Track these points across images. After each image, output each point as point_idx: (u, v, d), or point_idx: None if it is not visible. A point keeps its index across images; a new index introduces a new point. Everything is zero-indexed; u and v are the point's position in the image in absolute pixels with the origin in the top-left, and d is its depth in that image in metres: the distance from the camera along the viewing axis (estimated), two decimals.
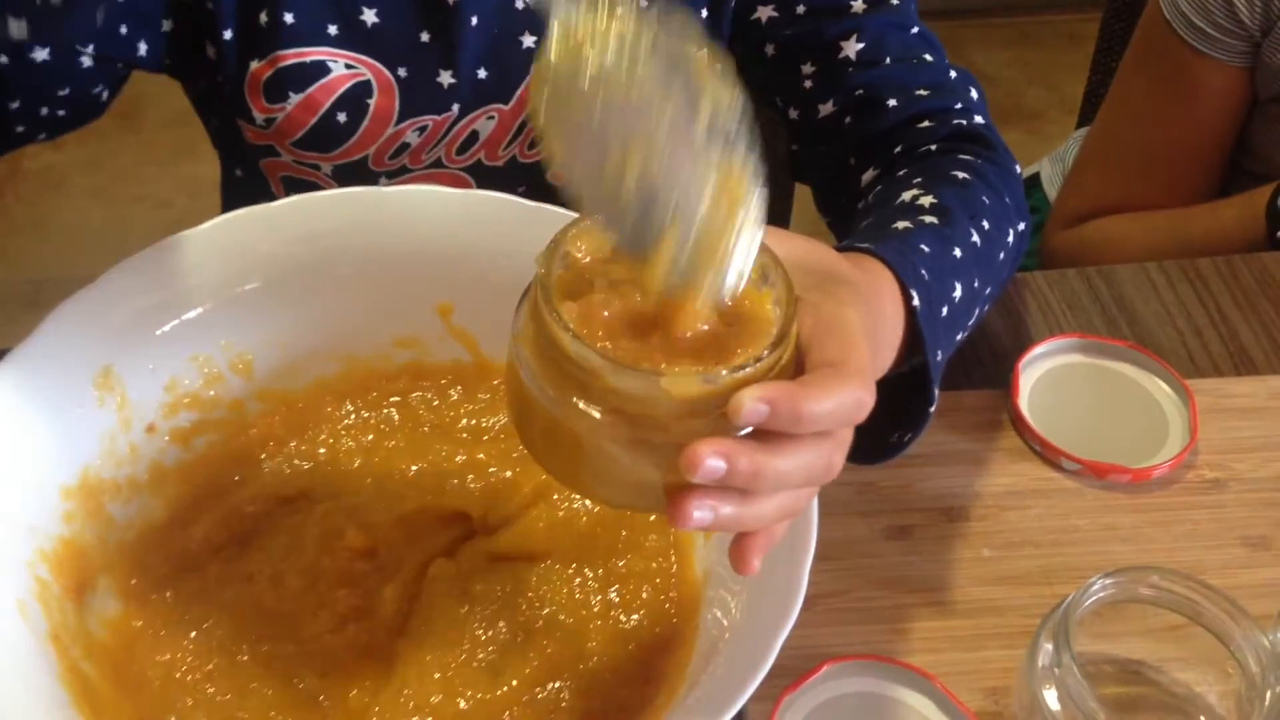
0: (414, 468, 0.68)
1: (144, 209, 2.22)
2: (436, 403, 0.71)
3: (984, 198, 0.70)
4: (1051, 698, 0.60)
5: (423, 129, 0.77)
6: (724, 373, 0.44)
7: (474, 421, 0.70)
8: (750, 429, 0.44)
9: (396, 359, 0.71)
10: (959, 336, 0.66)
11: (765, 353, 0.45)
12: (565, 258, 0.48)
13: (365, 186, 0.69)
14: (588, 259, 0.48)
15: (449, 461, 0.68)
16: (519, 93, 0.78)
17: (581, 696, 0.60)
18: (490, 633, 0.62)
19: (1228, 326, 0.86)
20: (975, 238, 0.67)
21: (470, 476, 0.67)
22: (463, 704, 0.59)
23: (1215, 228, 1.00)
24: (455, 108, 0.77)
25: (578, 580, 0.64)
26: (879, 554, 0.71)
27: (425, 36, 0.75)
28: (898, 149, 0.75)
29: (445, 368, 0.72)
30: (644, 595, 0.63)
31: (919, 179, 0.70)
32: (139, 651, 0.60)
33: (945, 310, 0.63)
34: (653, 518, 0.64)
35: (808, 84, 0.78)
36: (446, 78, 0.76)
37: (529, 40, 0.77)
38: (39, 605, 0.57)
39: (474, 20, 0.76)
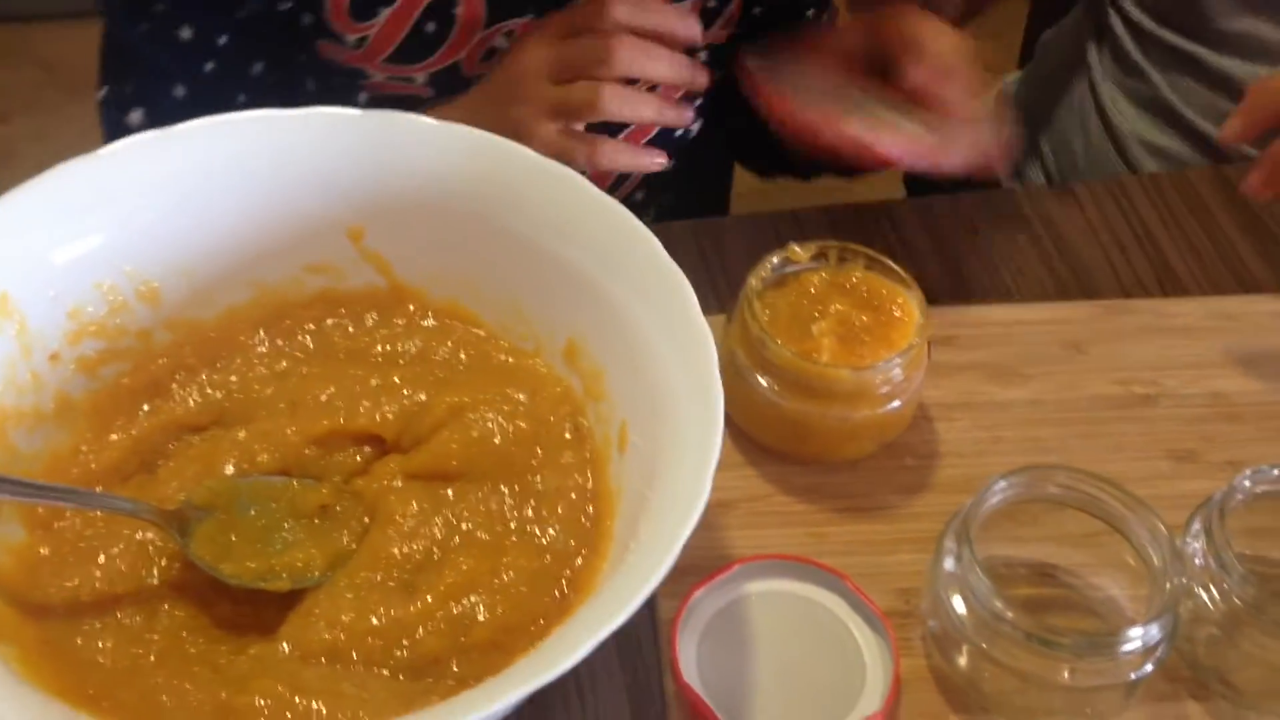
0: (327, 391, 0.67)
1: None
2: (351, 328, 0.70)
3: None
4: (956, 596, 0.60)
5: (510, 33, 0.76)
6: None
7: (389, 346, 0.70)
8: None
9: (309, 285, 0.70)
10: None
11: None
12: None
13: (267, 110, 0.67)
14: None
15: (362, 385, 0.67)
16: None
17: (497, 609, 0.59)
18: (406, 551, 0.62)
19: (1154, 244, 0.86)
20: None
21: (384, 399, 0.66)
22: (375, 620, 0.58)
23: None
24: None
25: (494, 498, 0.64)
26: (801, 461, 0.70)
27: None
28: None
29: (359, 292, 0.71)
30: (559, 510, 0.63)
31: None
32: (43, 577, 0.59)
33: None
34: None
35: None
36: None
37: None
38: None
39: None
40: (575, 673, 0.63)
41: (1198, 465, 0.73)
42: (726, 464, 0.70)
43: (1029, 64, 1.25)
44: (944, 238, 0.86)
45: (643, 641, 0.64)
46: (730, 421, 0.71)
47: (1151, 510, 0.61)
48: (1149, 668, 0.58)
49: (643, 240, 0.64)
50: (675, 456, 0.57)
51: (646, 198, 0.98)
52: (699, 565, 0.64)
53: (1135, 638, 0.57)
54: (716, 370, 0.58)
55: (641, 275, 0.63)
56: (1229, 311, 0.80)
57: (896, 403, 0.68)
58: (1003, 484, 0.62)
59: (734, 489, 0.69)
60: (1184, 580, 0.59)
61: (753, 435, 0.71)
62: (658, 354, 0.61)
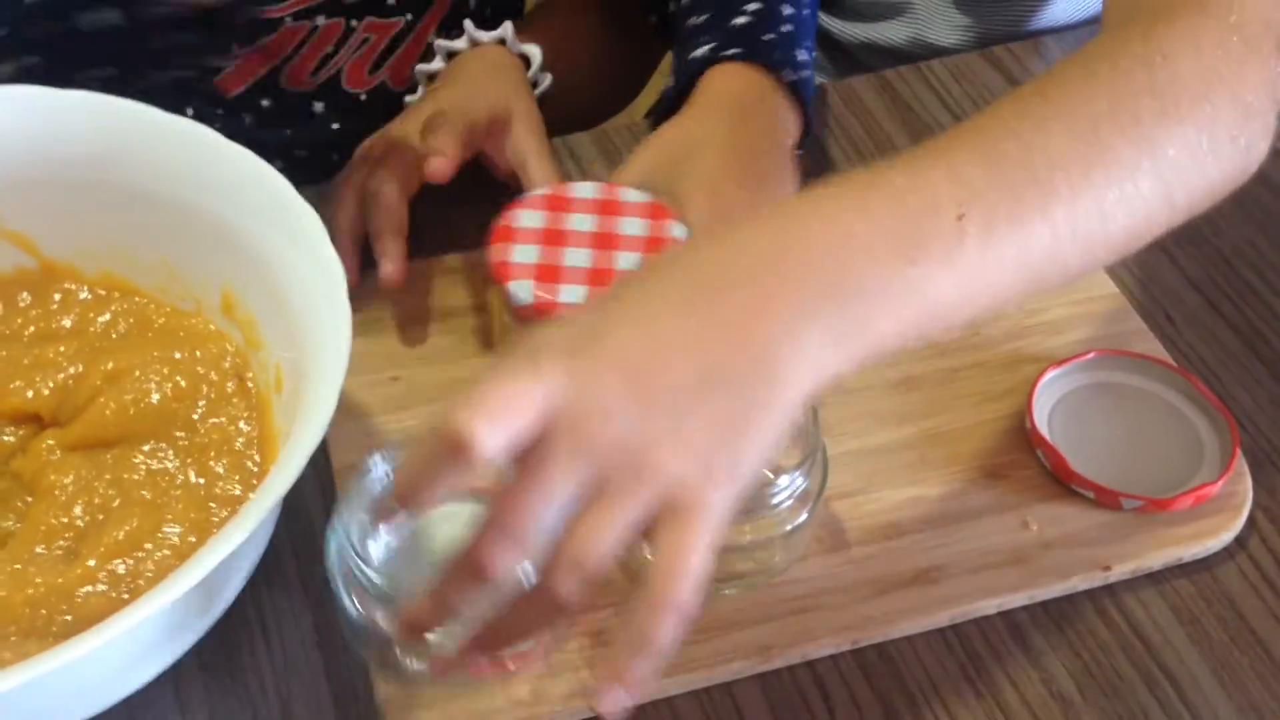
0: None
1: None
2: (2, 311, 0.69)
3: None
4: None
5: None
6: None
7: (43, 324, 0.69)
8: None
9: None
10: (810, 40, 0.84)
11: None
12: None
13: None
14: None
15: (14, 365, 0.66)
16: None
17: (165, 563, 0.59)
18: (66, 520, 0.61)
19: (820, 149, 0.91)
20: None
21: (38, 377, 0.66)
22: (32, 591, 0.58)
23: None
24: None
25: (157, 456, 0.64)
26: None
27: None
28: None
29: (8, 275, 0.69)
30: (225, 460, 0.63)
31: None
32: None
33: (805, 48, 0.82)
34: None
35: None
36: None
37: None
38: None
39: None
40: (260, 617, 0.64)
41: None
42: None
43: None
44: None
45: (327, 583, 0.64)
46: None
47: None
48: (805, 516, 0.62)
49: (271, 181, 0.64)
50: (313, 387, 0.58)
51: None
52: None
53: (784, 486, 0.61)
54: (345, 298, 0.59)
55: (277, 216, 0.64)
56: None
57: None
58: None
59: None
60: (819, 434, 0.63)
61: None
62: (298, 292, 0.62)
